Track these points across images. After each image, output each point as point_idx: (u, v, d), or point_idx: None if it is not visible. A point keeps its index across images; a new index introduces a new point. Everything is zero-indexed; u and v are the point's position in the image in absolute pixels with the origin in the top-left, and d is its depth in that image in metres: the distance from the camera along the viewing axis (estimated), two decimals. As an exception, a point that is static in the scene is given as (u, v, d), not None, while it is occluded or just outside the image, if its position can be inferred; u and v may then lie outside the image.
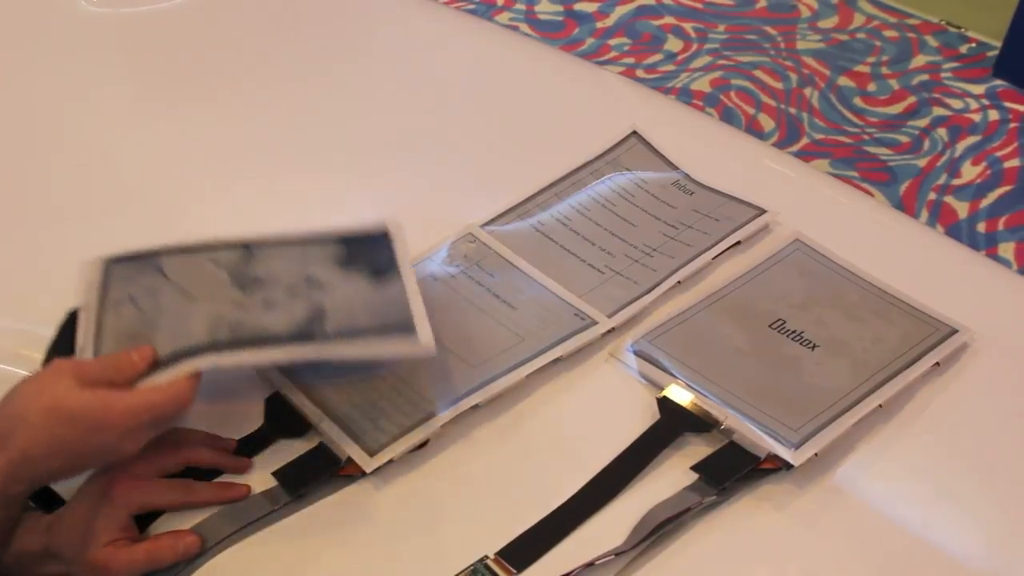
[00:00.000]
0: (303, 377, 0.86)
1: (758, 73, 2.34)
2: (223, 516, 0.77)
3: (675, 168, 1.07)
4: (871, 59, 2.39)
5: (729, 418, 0.82)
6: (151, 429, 0.72)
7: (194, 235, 0.85)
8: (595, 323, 0.90)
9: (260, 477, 0.80)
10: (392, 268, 0.84)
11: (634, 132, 1.11)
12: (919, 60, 2.39)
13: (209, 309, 0.79)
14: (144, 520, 0.77)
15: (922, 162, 2.12)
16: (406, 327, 0.79)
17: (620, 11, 2.54)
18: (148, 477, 0.77)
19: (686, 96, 2.27)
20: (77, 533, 0.74)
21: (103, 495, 0.75)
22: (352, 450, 0.80)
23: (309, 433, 0.82)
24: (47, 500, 0.81)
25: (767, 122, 2.21)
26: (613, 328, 0.90)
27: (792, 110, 2.24)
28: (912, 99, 2.28)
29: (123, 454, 0.72)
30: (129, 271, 0.83)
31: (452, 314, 0.92)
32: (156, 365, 0.74)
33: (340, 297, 0.81)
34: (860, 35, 2.47)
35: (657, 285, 0.94)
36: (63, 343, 0.79)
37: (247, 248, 0.85)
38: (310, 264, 0.84)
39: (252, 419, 0.84)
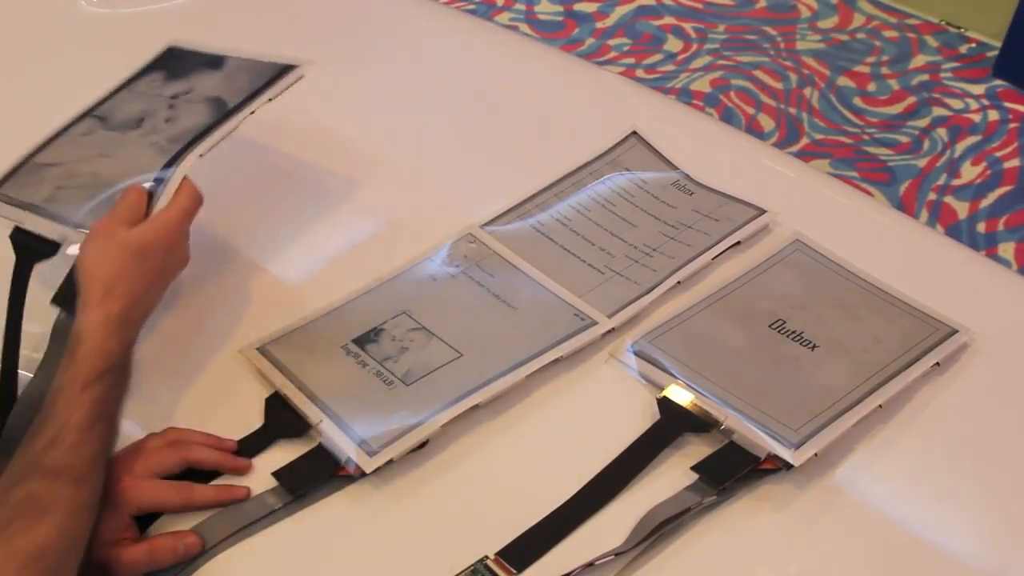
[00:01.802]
0: (302, 377, 0.86)
1: (758, 73, 2.34)
2: (223, 516, 0.77)
3: (675, 168, 1.07)
4: (871, 59, 2.39)
5: (729, 418, 0.82)
6: (186, 232, 0.86)
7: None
8: (595, 323, 0.90)
9: (260, 477, 0.80)
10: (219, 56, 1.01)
11: (634, 132, 1.11)
12: (919, 60, 2.39)
13: (135, 146, 0.94)
14: (144, 521, 0.77)
15: (922, 162, 2.12)
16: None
17: (620, 11, 2.53)
18: (149, 478, 0.77)
19: (686, 96, 2.27)
20: None
21: (105, 496, 0.75)
22: (352, 450, 0.80)
23: (309, 433, 0.82)
24: None
25: (767, 122, 2.21)
26: (613, 328, 0.90)
27: (792, 110, 2.24)
28: (912, 99, 2.28)
29: (182, 266, 0.86)
30: (22, 180, 0.93)
31: (452, 314, 0.92)
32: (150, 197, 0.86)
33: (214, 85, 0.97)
34: (860, 35, 2.47)
35: (657, 285, 0.94)
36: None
37: (94, 115, 0.99)
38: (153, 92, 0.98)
39: (252, 419, 0.84)
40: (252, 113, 0.93)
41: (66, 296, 0.80)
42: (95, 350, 0.75)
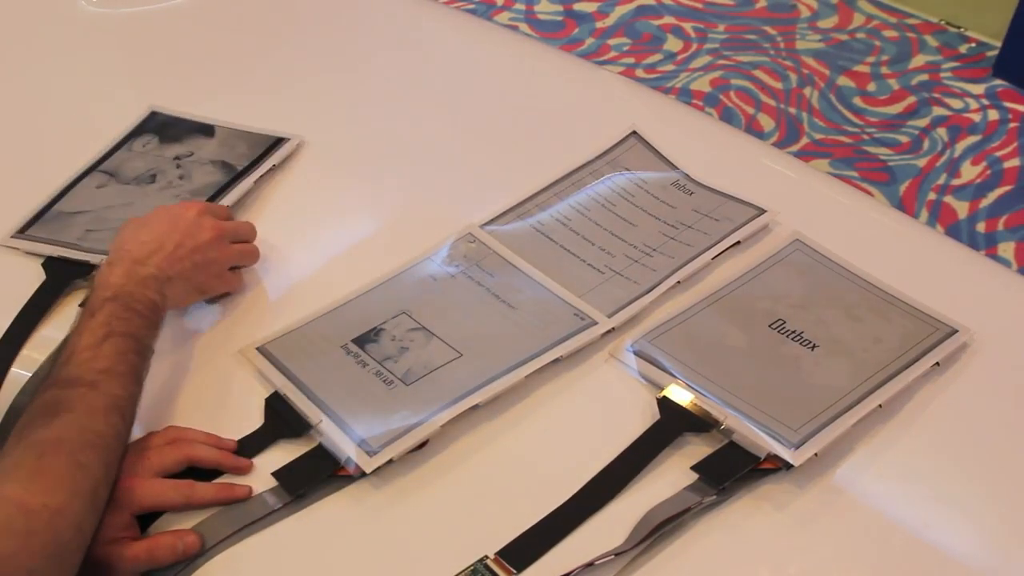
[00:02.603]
0: (302, 377, 0.86)
1: (758, 73, 2.34)
2: (223, 516, 0.77)
3: (675, 168, 1.07)
4: (871, 59, 2.39)
5: (729, 418, 0.82)
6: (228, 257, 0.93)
7: None
8: (595, 323, 0.90)
9: (260, 477, 0.80)
10: (208, 125, 1.14)
11: (634, 132, 1.11)
12: (919, 60, 2.39)
13: (157, 197, 1.05)
14: (145, 520, 0.77)
15: (922, 162, 2.12)
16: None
17: (620, 11, 2.53)
18: (150, 477, 0.77)
19: (686, 96, 2.27)
20: None
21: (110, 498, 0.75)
22: (352, 450, 0.80)
23: (309, 433, 0.82)
24: None
25: (767, 122, 2.21)
26: (613, 328, 0.90)
27: (792, 110, 2.24)
28: (912, 99, 2.27)
29: (215, 268, 0.92)
30: (49, 226, 1.02)
31: (452, 314, 0.92)
32: None
33: None
34: (860, 35, 2.46)
35: (657, 285, 0.94)
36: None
37: (101, 170, 1.09)
38: None
39: (252, 419, 0.84)
40: (260, 177, 1.06)
41: None
42: (99, 284, 0.83)
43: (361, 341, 0.89)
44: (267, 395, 0.85)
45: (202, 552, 0.75)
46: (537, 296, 0.93)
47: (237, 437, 0.83)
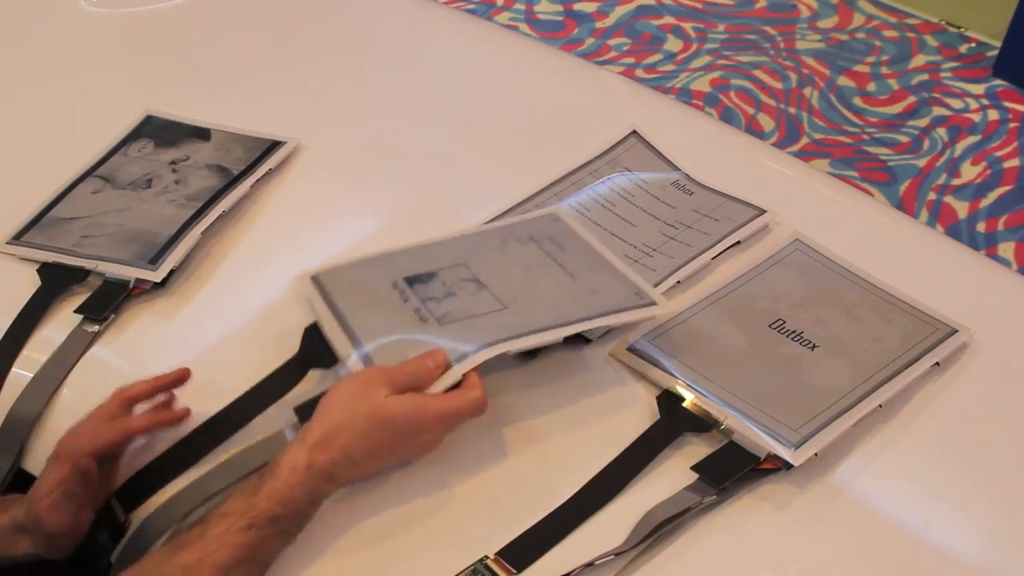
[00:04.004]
0: (343, 308, 0.86)
1: (758, 73, 2.34)
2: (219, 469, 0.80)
3: (675, 168, 1.07)
4: (871, 59, 2.39)
5: (729, 418, 0.82)
6: (452, 428, 0.80)
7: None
8: (654, 303, 0.87)
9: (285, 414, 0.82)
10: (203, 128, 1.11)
11: (634, 132, 1.11)
12: (919, 60, 2.39)
13: (154, 202, 1.03)
14: (132, 502, 0.80)
15: (922, 162, 2.11)
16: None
17: (620, 11, 2.53)
18: (91, 435, 0.79)
19: (686, 96, 2.26)
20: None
21: (52, 457, 0.78)
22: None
23: (335, 368, 0.83)
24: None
25: (767, 122, 2.21)
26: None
27: (792, 110, 2.24)
28: (912, 99, 2.27)
29: (426, 452, 0.80)
30: (45, 232, 1.01)
31: (510, 273, 0.90)
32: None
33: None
34: (860, 35, 2.46)
35: (657, 285, 0.94)
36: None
37: (96, 175, 1.06)
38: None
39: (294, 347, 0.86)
40: (257, 181, 1.06)
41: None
42: (279, 492, 0.72)
43: (412, 280, 0.88)
44: (307, 325, 0.86)
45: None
46: (601, 272, 0.90)
47: (273, 366, 0.85)
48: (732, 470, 0.79)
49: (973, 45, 2.42)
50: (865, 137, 2.18)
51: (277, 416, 0.83)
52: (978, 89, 2.29)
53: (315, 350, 0.85)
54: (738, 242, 0.98)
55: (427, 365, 0.79)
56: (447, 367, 0.80)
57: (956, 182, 2.07)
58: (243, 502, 0.72)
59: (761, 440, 0.80)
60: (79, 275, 0.96)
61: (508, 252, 0.93)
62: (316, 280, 0.89)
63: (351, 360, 0.82)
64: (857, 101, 2.28)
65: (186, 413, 0.82)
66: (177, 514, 0.79)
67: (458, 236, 0.95)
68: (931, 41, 2.44)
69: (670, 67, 2.36)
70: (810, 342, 0.88)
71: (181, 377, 0.84)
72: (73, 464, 0.76)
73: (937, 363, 0.87)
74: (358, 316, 0.85)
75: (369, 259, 0.91)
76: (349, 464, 0.75)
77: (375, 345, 0.82)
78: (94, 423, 0.80)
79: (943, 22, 2.49)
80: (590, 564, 0.73)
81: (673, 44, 2.43)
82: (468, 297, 0.87)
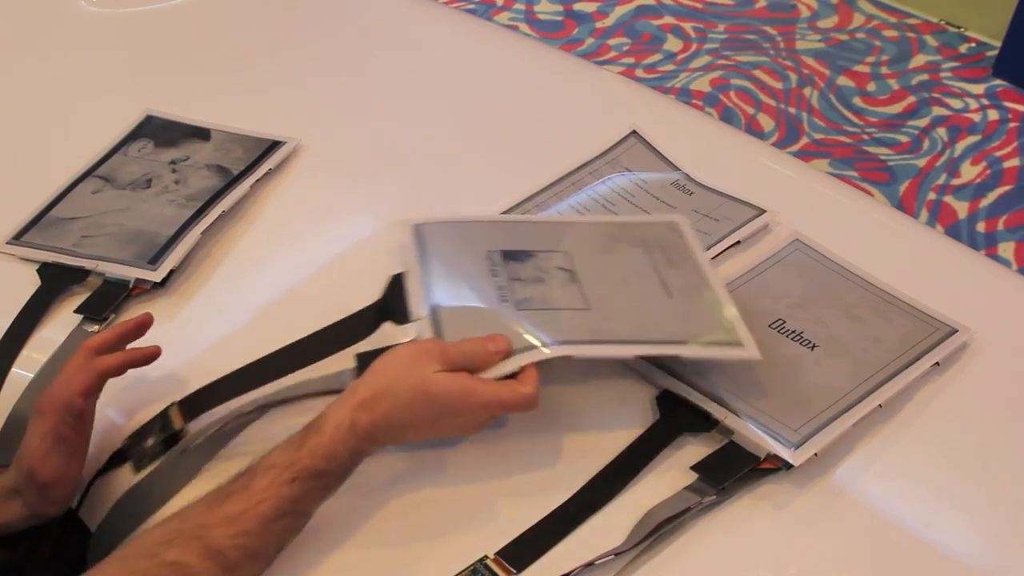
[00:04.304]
0: (432, 264, 0.86)
1: (758, 73, 2.34)
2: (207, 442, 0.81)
3: (675, 168, 1.07)
4: (871, 59, 2.39)
5: (729, 418, 0.82)
6: (495, 418, 0.79)
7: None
8: (741, 345, 0.83)
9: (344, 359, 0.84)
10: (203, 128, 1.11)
11: (634, 132, 1.11)
12: (919, 60, 2.39)
13: (154, 202, 1.02)
14: (191, 414, 0.83)
15: (922, 162, 2.11)
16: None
17: (620, 11, 2.53)
18: (66, 384, 0.79)
19: (686, 96, 2.26)
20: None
21: (34, 413, 0.79)
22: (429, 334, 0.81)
23: (406, 326, 0.83)
24: None
25: (767, 122, 2.21)
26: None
27: (792, 110, 2.24)
28: (912, 99, 2.27)
29: (465, 434, 0.80)
30: (45, 232, 1.00)
31: (609, 275, 0.88)
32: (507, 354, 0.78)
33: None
34: (860, 35, 2.46)
35: (657, 285, 0.94)
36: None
37: (96, 175, 1.06)
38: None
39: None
40: (257, 181, 1.06)
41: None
42: (323, 448, 0.73)
43: (508, 255, 0.87)
44: (395, 273, 0.87)
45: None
46: (699, 298, 0.87)
47: (355, 307, 0.86)
48: (732, 470, 0.79)
49: (973, 45, 2.42)
50: (865, 137, 2.18)
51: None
52: (978, 89, 2.29)
53: (394, 301, 0.84)
54: (738, 242, 0.98)
55: (487, 348, 0.77)
56: (508, 354, 0.77)
57: (956, 182, 2.07)
58: (288, 456, 0.73)
59: (761, 440, 0.80)
60: (79, 275, 0.96)
61: (615, 251, 0.90)
62: (417, 229, 0.87)
63: (420, 322, 0.81)
64: (857, 101, 2.28)
65: (157, 351, 0.83)
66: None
67: (569, 220, 0.93)
68: (931, 41, 2.44)
69: (670, 67, 2.36)
70: (810, 342, 0.88)
71: (144, 323, 0.84)
72: (64, 407, 0.77)
73: (937, 363, 0.87)
74: (442, 276, 0.84)
75: (473, 222, 0.90)
76: (389, 429, 0.75)
77: (447, 308, 0.81)
78: (66, 375, 0.80)
79: (943, 22, 2.49)
80: (590, 564, 0.73)
81: (673, 44, 2.43)
82: (556, 287, 0.85)
